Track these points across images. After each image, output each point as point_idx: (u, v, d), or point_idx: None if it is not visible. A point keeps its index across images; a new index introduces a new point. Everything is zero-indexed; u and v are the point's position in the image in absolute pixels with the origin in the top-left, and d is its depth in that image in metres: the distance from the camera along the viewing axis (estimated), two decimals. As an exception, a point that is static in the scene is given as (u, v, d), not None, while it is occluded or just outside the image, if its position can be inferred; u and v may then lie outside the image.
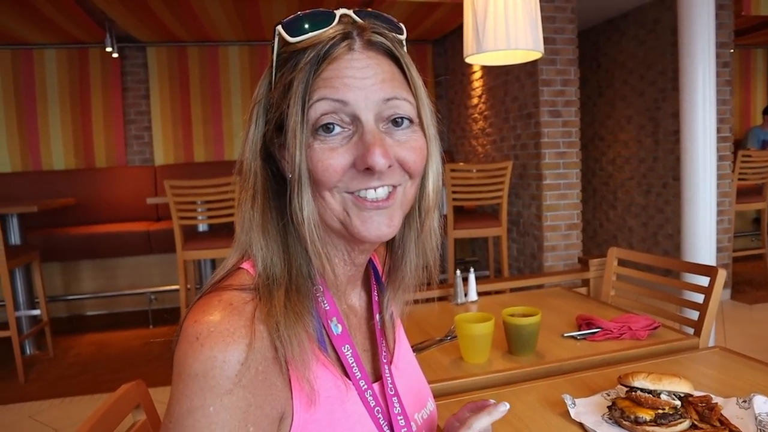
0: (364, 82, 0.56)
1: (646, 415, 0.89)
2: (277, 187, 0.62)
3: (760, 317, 3.69)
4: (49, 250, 3.86)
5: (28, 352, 3.47)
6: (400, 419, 0.64)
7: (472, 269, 1.82)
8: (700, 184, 2.60)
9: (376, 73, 0.57)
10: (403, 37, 0.63)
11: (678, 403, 0.91)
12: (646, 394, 0.91)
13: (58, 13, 3.84)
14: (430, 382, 0.79)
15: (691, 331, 1.47)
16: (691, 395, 0.93)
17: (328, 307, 0.62)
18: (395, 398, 0.65)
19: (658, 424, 0.89)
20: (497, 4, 1.63)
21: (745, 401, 0.95)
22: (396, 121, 0.58)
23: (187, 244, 3.24)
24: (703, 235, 2.61)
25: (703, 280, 1.49)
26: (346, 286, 0.68)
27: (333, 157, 0.56)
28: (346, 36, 0.57)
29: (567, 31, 3.64)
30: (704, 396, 0.95)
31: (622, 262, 1.83)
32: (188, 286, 3.33)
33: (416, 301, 0.73)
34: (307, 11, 0.59)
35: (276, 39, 0.59)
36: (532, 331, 1.28)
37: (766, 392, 0.96)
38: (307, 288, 0.60)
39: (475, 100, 4.77)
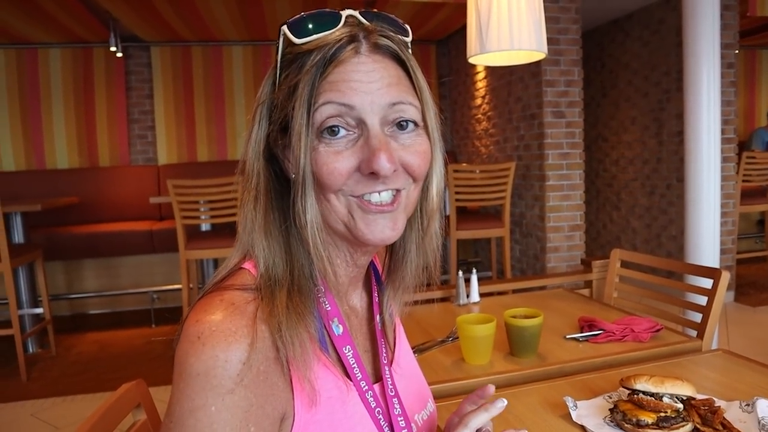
0: (371, 86, 0.56)
1: (648, 418, 0.89)
2: (280, 187, 0.61)
3: (763, 320, 3.67)
4: (52, 248, 3.87)
5: (30, 350, 3.49)
6: (401, 420, 0.64)
7: (474, 270, 1.82)
8: (704, 186, 2.59)
9: (382, 77, 0.57)
10: (409, 39, 0.62)
11: (680, 406, 0.91)
12: (649, 397, 0.91)
13: (62, 12, 3.85)
14: (431, 384, 0.79)
15: (694, 333, 1.46)
16: (694, 398, 0.93)
17: (329, 308, 0.62)
18: (396, 399, 0.65)
19: (660, 428, 0.88)
20: (501, 5, 1.63)
21: (748, 405, 0.94)
22: (401, 125, 0.58)
23: (190, 244, 3.25)
24: (706, 237, 2.60)
25: (707, 282, 1.49)
26: (347, 287, 0.68)
27: (338, 160, 0.56)
28: (352, 39, 0.57)
29: (571, 31, 3.63)
30: (707, 399, 0.94)
31: (625, 264, 1.82)
32: (191, 285, 3.34)
33: (418, 302, 0.73)
34: (313, 12, 0.58)
35: (281, 39, 0.59)
36: (533, 333, 1.28)
37: (769, 395, 0.96)
38: (309, 288, 0.60)
39: (478, 101, 4.76)
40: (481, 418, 0.61)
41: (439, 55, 5.42)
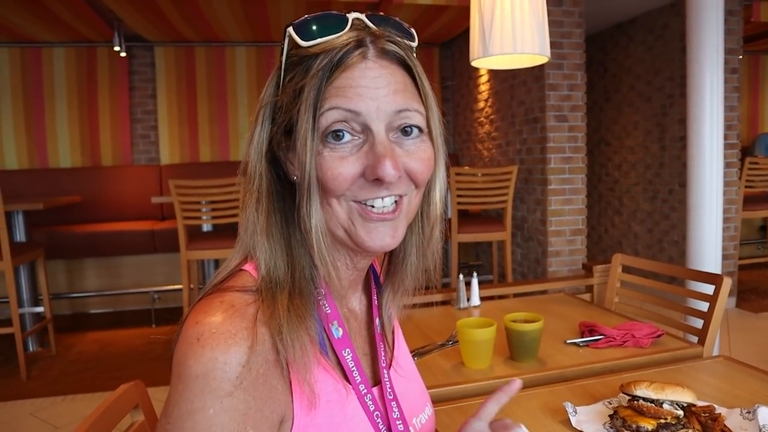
0: (377, 93, 0.56)
1: (648, 424, 0.89)
2: (282, 190, 0.61)
3: (765, 326, 3.66)
4: (53, 247, 3.88)
5: (30, 349, 3.49)
6: (399, 424, 0.64)
7: (475, 274, 1.82)
8: (706, 191, 2.58)
9: (389, 83, 0.57)
10: (415, 44, 0.62)
11: (681, 412, 0.90)
12: (649, 404, 0.91)
13: (67, 12, 3.86)
14: (430, 387, 0.79)
15: (695, 339, 1.46)
16: (694, 405, 0.93)
17: (329, 311, 0.62)
18: (394, 403, 0.65)
19: (660, 434, 0.88)
20: (504, 8, 1.63)
21: (749, 412, 0.94)
22: (405, 131, 0.58)
23: (191, 244, 3.25)
24: (708, 243, 2.60)
25: (708, 288, 1.48)
26: (347, 290, 0.68)
27: (343, 165, 0.56)
28: (359, 43, 0.57)
29: (574, 35, 3.63)
30: (707, 406, 0.94)
31: (626, 269, 1.82)
32: (191, 285, 3.34)
33: (417, 305, 0.73)
34: (319, 14, 0.58)
35: (286, 41, 0.58)
36: (534, 338, 1.28)
37: (770, 403, 0.95)
38: (310, 291, 0.60)
39: (481, 104, 4.76)
40: (491, 408, 0.68)
41: (442, 58, 5.43)
